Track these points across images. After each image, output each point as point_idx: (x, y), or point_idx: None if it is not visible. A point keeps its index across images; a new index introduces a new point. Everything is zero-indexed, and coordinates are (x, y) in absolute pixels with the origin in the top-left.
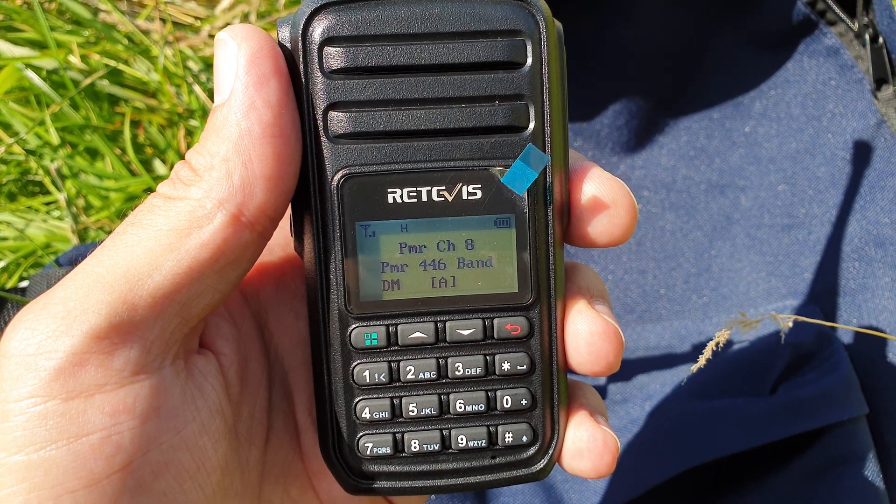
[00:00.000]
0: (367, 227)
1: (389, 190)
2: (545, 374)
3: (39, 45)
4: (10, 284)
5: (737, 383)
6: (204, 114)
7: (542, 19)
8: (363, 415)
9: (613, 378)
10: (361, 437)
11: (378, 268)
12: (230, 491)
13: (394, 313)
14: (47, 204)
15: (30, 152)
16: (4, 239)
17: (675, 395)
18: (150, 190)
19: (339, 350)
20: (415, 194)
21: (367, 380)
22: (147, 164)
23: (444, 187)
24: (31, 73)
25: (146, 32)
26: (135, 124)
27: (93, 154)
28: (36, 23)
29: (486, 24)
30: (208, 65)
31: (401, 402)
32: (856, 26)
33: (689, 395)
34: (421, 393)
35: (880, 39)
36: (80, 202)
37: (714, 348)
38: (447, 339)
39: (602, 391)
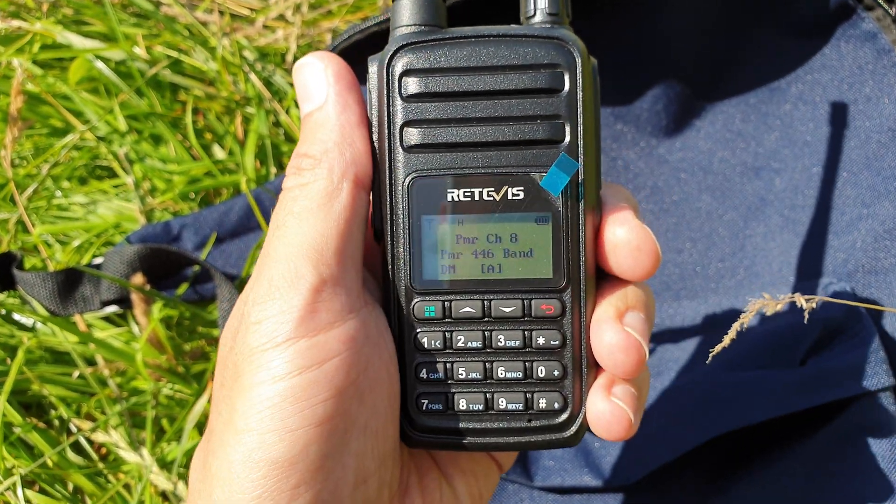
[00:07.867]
0: (430, 220)
1: (449, 190)
2: (575, 349)
3: (106, 38)
4: (84, 261)
5: (768, 357)
6: (259, 101)
7: (578, 55)
8: (421, 374)
9: (650, 353)
10: (419, 394)
11: (437, 254)
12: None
13: (449, 290)
14: (116, 187)
15: (100, 139)
16: (78, 219)
17: (708, 367)
18: (210, 174)
19: (406, 319)
20: (469, 194)
21: (426, 345)
22: (207, 149)
23: (493, 188)
24: (100, 64)
25: (204, 24)
26: (195, 111)
27: (157, 140)
28: (104, 17)
29: (532, 59)
30: (263, 54)
31: (452, 366)
32: (893, 11)
33: (722, 368)
34: (469, 359)
35: None
36: (146, 185)
37: (739, 328)
38: (492, 314)
39: None
